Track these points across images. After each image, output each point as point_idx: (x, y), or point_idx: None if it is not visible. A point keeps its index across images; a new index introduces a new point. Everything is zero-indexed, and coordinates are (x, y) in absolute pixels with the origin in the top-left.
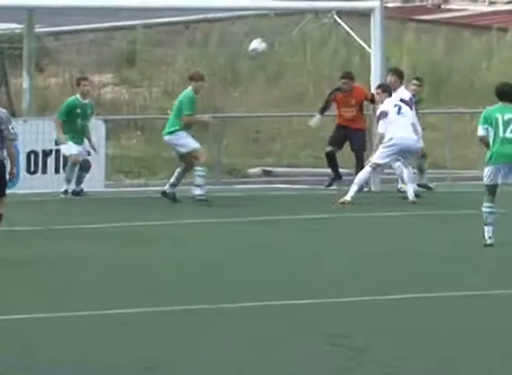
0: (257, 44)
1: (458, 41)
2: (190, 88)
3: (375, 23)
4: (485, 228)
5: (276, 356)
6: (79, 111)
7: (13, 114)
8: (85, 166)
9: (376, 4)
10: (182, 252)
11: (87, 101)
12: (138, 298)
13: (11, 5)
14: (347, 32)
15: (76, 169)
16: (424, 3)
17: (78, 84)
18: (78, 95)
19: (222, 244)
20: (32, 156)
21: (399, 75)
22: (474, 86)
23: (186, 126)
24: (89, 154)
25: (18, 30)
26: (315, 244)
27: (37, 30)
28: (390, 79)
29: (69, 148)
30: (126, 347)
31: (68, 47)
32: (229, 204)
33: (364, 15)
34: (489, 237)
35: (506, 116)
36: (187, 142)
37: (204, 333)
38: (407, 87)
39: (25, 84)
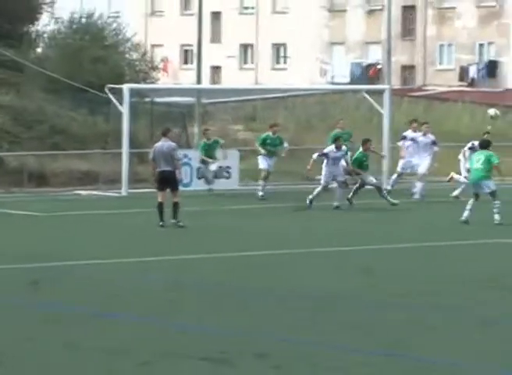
0: (493, 111)
1: (430, 106)
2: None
3: (386, 97)
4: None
5: None
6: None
7: (189, 146)
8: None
9: (387, 86)
10: None
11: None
12: None
13: (188, 88)
14: (371, 102)
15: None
16: (412, 86)
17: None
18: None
19: None
20: (196, 169)
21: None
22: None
23: None
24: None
25: (191, 101)
26: None
27: (202, 101)
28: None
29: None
30: None
31: (219, 109)
32: None
33: (380, 92)
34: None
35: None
36: None
37: None
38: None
39: (195, 130)
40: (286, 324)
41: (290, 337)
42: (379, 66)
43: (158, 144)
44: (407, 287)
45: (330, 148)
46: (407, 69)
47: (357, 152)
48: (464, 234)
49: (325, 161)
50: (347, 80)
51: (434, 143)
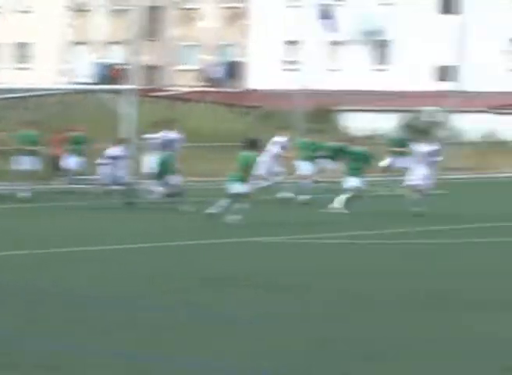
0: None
1: (172, 106)
2: None
3: (130, 97)
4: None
5: None
6: None
7: None
8: None
9: (131, 87)
10: None
11: None
12: None
13: None
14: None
15: None
16: (155, 86)
17: None
18: None
19: None
20: None
21: None
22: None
23: None
24: None
25: None
26: None
27: None
28: None
29: None
30: None
31: None
32: None
33: (122, 92)
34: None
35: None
36: None
37: None
38: None
39: None
40: None
41: None
42: (123, 67)
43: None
44: (160, 285)
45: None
46: (152, 70)
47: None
48: (218, 233)
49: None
50: (91, 80)
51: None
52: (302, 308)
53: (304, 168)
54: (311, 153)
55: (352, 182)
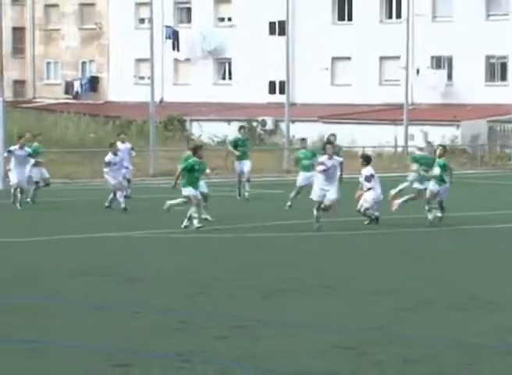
0: None
1: (40, 117)
2: None
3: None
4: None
5: None
6: None
7: None
8: None
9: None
10: None
11: None
12: None
13: None
14: None
15: None
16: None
17: None
18: None
19: None
20: None
21: None
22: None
23: None
24: None
25: None
26: None
27: None
28: None
29: None
30: None
31: None
32: None
33: None
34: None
35: None
36: None
37: None
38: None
39: None
40: None
41: None
42: None
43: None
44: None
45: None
46: (19, 84)
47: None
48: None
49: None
50: None
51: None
52: (145, 296)
53: None
54: None
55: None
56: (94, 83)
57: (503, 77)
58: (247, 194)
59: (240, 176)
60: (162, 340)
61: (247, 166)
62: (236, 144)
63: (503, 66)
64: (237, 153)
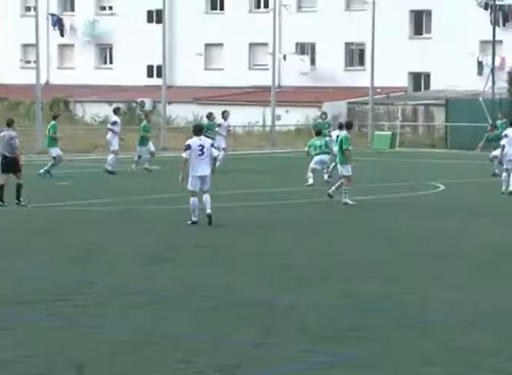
0: None
1: None
2: None
3: None
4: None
5: None
6: None
7: None
8: None
9: None
10: None
11: None
12: None
13: None
14: None
15: None
16: None
17: None
18: None
19: None
20: None
21: None
22: None
23: None
24: None
25: None
26: None
27: None
28: None
29: None
30: None
31: None
32: None
33: None
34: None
35: None
36: None
37: None
38: None
39: None
40: None
41: None
42: None
43: (2, 134)
44: None
45: None
46: None
47: None
48: None
49: None
50: None
51: None
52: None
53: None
54: None
55: None
56: None
57: (361, 62)
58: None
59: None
60: (47, 306)
61: None
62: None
63: (361, 53)
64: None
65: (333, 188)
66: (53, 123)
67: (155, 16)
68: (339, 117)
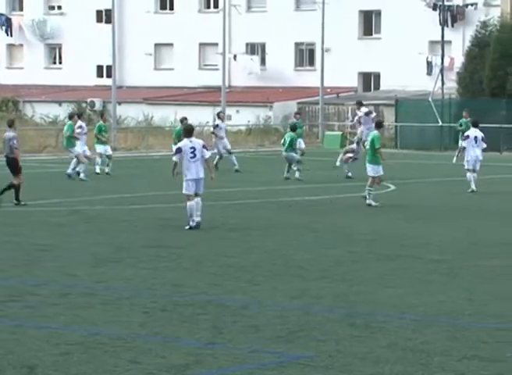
0: None
1: None
2: None
3: None
4: None
5: None
6: None
7: None
8: None
9: None
10: None
11: None
12: None
13: None
14: None
15: None
16: None
17: None
18: None
19: None
20: None
21: None
22: None
23: None
24: None
25: None
26: None
27: None
28: None
29: None
30: None
31: None
32: None
33: None
34: None
35: None
36: None
37: None
38: None
39: None
40: None
41: None
42: None
43: (5, 134)
44: None
45: None
46: None
47: None
48: None
49: None
50: None
51: None
52: None
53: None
54: None
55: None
56: None
57: (311, 62)
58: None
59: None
60: None
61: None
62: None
63: (311, 53)
64: None
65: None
66: (70, 123)
67: (104, 16)
68: (290, 117)
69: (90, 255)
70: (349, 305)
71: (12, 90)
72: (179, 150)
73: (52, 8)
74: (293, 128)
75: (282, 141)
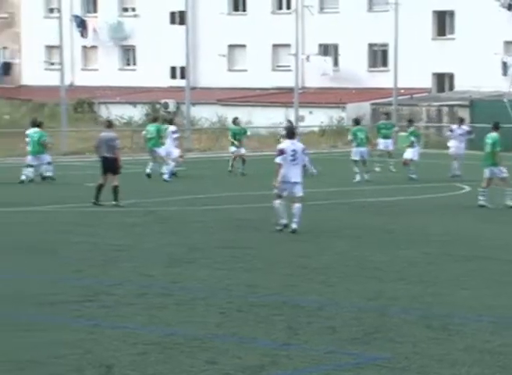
0: None
1: None
2: None
3: None
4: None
5: None
6: None
7: None
8: None
9: None
10: None
11: None
12: None
13: None
14: None
15: None
16: None
17: None
18: None
19: None
20: None
21: None
22: None
23: None
24: None
25: None
26: None
27: None
28: None
29: None
30: None
31: None
32: None
33: None
34: None
35: None
36: None
37: None
38: None
39: None
40: None
41: None
42: None
43: (102, 134)
44: None
45: None
46: None
47: None
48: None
49: None
50: None
51: None
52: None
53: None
54: None
55: None
56: (7, 68)
57: (384, 63)
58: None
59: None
60: (73, 307)
61: None
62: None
63: (384, 53)
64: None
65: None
66: (157, 125)
67: (178, 18)
68: (363, 118)
69: (164, 255)
70: (425, 307)
71: (87, 91)
72: (282, 151)
73: (126, 10)
74: (358, 122)
75: (354, 138)
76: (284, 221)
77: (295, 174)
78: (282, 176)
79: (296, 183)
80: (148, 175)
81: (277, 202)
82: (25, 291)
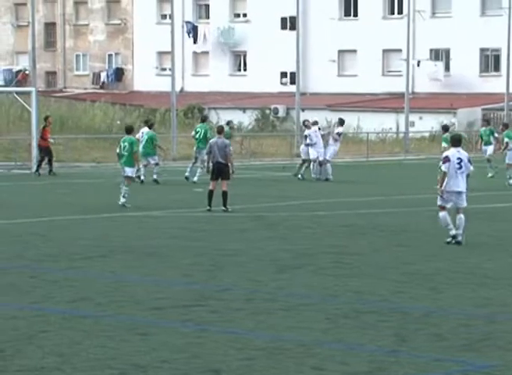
0: None
1: (72, 105)
2: None
3: (33, 97)
4: None
5: None
6: None
7: None
8: None
9: (33, 89)
10: None
11: None
12: None
13: None
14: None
15: None
16: (55, 88)
17: None
18: None
19: None
20: None
21: None
22: None
23: None
24: None
25: None
26: None
27: None
28: None
29: None
30: None
31: None
32: None
33: (28, 93)
34: None
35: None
36: None
37: None
38: None
39: None
40: None
41: None
42: (27, 72)
43: (213, 140)
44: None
45: None
46: (50, 75)
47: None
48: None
49: None
50: (0, 83)
51: None
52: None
53: None
54: None
55: None
56: (119, 74)
57: (497, 68)
58: None
59: None
60: (182, 311)
61: None
62: None
63: (497, 58)
64: None
65: None
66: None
67: (289, 23)
68: (474, 124)
69: (272, 261)
70: None
71: (197, 97)
72: (447, 159)
73: (238, 15)
74: (447, 129)
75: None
76: (453, 232)
77: (459, 183)
78: (447, 184)
79: (461, 192)
80: (187, 178)
81: (442, 214)
82: (137, 294)
